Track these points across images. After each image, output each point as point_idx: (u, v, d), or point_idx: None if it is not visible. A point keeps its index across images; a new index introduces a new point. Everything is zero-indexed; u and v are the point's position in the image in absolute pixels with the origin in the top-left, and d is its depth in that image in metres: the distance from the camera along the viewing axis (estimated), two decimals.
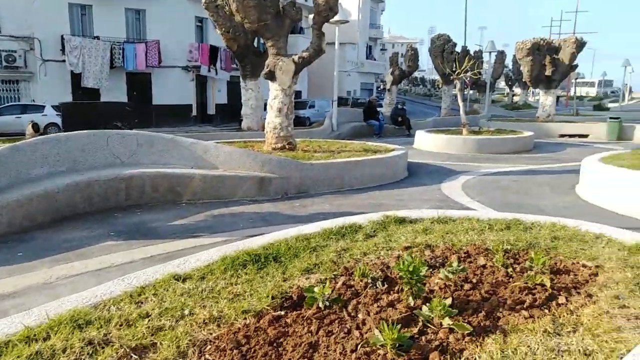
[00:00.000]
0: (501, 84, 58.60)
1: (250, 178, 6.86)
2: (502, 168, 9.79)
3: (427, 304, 2.17)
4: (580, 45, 16.15)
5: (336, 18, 14.33)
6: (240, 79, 15.05)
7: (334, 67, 43.75)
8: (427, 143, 12.72)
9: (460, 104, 13.06)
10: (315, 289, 2.36)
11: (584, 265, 2.81)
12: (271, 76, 8.93)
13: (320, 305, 2.29)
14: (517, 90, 47.09)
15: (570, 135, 16.43)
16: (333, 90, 15.53)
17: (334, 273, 2.82)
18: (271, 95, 9.06)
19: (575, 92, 34.92)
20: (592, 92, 63.83)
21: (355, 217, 3.90)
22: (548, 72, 16.98)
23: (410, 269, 2.29)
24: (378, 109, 18.57)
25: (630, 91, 63.78)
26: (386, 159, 8.24)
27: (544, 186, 7.81)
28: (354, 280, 2.64)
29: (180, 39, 24.58)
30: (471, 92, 36.91)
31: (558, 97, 49.81)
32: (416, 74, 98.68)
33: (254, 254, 3.02)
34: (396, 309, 2.23)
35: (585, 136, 16.30)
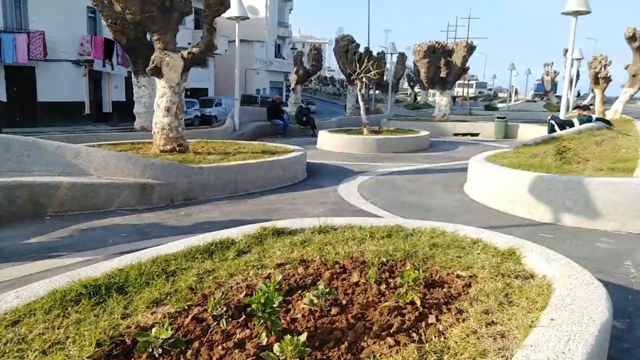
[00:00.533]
0: (405, 84, 61.52)
1: (129, 185, 6.18)
2: (399, 167, 9.97)
3: (282, 341, 1.86)
4: (470, 48, 17.23)
5: (235, 14, 13.83)
6: (132, 75, 13.94)
7: (243, 64, 42.59)
8: (329, 143, 12.68)
9: (361, 104, 13.20)
10: (154, 330, 1.95)
11: (458, 276, 2.69)
12: (157, 72, 8.22)
13: (155, 352, 1.88)
14: (419, 90, 49.68)
15: (463, 134, 17.44)
16: (235, 88, 14.95)
17: (189, 303, 2.42)
18: (158, 93, 8.35)
19: (468, 93, 37.48)
20: (471, 92, 69.76)
21: (228, 230, 3.51)
22: (443, 74, 17.88)
23: (262, 300, 1.96)
24: (283, 108, 18.32)
25: (516, 92, 70.56)
26: (284, 160, 7.95)
27: (436, 185, 8.01)
28: (208, 312, 2.26)
29: (70, 30, 22.34)
30: (376, 92, 38.17)
31: (454, 97, 53.51)
32: (326, 73, 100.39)
33: (93, 284, 2.52)
34: (244, 350, 1.89)
35: (477, 135, 17.39)
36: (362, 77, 13.13)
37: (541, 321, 2.03)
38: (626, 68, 17.51)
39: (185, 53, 8.33)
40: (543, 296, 2.33)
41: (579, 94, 37.53)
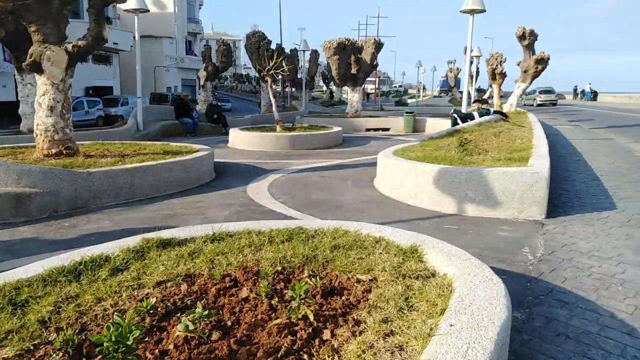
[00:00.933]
0: (321, 82, 62.20)
1: (1, 196, 5.34)
2: (312, 164, 9.81)
3: None
4: (378, 45, 17.62)
5: (133, 6, 12.84)
6: (16, 72, 12.44)
7: (152, 62, 39.96)
8: (242, 141, 12.23)
9: (272, 100, 12.89)
10: None
11: (358, 281, 2.49)
12: (37, 68, 7.27)
13: None
14: (334, 87, 50.47)
15: (375, 129, 17.79)
16: (137, 85, 13.92)
17: (36, 342, 1.97)
18: (39, 91, 7.40)
19: (378, 89, 38.66)
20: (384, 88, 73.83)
21: (103, 245, 3.04)
22: (354, 71, 18.10)
23: (114, 337, 1.59)
24: (193, 106, 17.47)
25: (424, 89, 74.41)
26: (187, 161, 7.41)
27: (347, 180, 7.94)
28: (54, 353, 1.83)
29: None
30: (292, 89, 38.09)
31: (368, 94, 55.15)
32: (242, 71, 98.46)
33: None
34: None
35: (387, 129, 17.83)
36: (272, 74, 12.80)
37: (440, 328, 1.87)
38: (518, 64, 18.95)
39: (69, 46, 7.46)
40: (443, 297, 2.20)
41: (479, 89, 40.21)
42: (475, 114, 10.38)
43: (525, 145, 8.00)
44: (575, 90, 53.74)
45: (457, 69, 41.95)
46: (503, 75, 21.74)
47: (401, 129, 17.76)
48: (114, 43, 32.98)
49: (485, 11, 11.90)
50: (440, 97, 51.98)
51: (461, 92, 43.19)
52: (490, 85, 23.57)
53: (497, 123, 10.19)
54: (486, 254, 4.22)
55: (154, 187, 6.75)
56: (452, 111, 10.55)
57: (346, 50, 17.62)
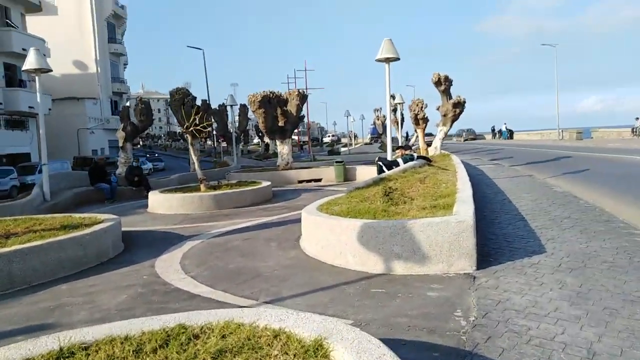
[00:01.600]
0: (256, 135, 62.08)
1: None
2: (237, 225, 9.13)
3: None
4: (302, 97, 17.65)
5: (34, 66, 11.89)
6: None
7: (74, 124, 38.10)
8: (162, 205, 11.32)
9: (194, 158, 12.22)
10: None
11: None
12: None
13: None
14: (267, 140, 50.47)
15: (307, 181, 17.48)
16: (41, 150, 12.68)
17: None
18: None
19: (309, 139, 38.99)
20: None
21: None
22: (281, 123, 17.92)
23: None
24: (112, 169, 16.30)
25: (356, 137, 76.61)
26: (84, 236, 6.48)
27: (272, 242, 7.33)
28: None
29: None
30: (224, 144, 37.48)
31: (302, 144, 55.58)
32: (176, 128, 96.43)
33: None
34: None
35: (319, 180, 17.58)
36: (192, 131, 12.18)
37: None
38: (438, 109, 19.70)
39: None
40: None
41: (407, 135, 41.79)
42: (400, 160, 10.32)
43: (449, 190, 7.86)
44: (493, 130, 57.55)
45: (384, 116, 43.54)
46: (425, 120, 22.52)
47: (333, 178, 17.58)
48: (29, 107, 31.12)
49: (399, 59, 12.19)
50: (371, 144, 53.53)
51: (391, 139, 44.71)
52: (415, 131, 24.31)
53: (421, 168, 10.15)
54: (416, 324, 3.73)
55: (40, 272, 5.74)
56: (376, 159, 10.42)
57: (272, 103, 17.47)
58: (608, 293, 4.32)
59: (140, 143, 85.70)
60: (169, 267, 6.12)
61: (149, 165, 38.67)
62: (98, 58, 43.27)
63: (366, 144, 55.46)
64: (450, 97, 19.14)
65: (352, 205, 7.02)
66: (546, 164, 20.21)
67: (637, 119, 36.63)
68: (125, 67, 51.79)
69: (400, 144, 10.73)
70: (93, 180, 14.41)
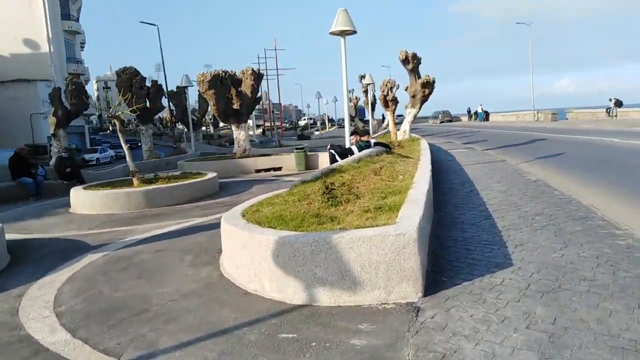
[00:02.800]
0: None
1: None
2: (161, 229, 7.79)
3: None
4: (258, 76, 16.15)
5: None
6: None
7: (22, 109, 35.55)
8: (84, 204, 9.85)
9: (124, 147, 10.71)
10: None
11: None
12: None
13: None
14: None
15: (266, 170, 16.15)
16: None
17: None
18: None
19: (279, 123, 37.52)
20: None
21: None
22: (236, 106, 16.43)
23: None
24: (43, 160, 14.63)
25: (331, 120, 74.94)
26: None
27: (188, 254, 6.04)
28: None
29: None
30: (185, 130, 35.58)
31: (265, 129, 53.63)
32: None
33: None
34: None
35: (279, 169, 16.27)
36: (119, 116, 10.66)
37: None
38: (406, 89, 18.49)
39: None
40: None
41: (383, 118, 40.58)
42: (354, 147, 9.08)
43: (404, 185, 6.67)
44: (469, 111, 56.94)
45: (357, 98, 42.20)
46: (395, 101, 21.34)
47: (294, 167, 16.30)
48: None
49: (355, 32, 10.88)
50: (343, 127, 52.41)
51: (364, 122, 43.37)
52: (383, 114, 23.11)
53: (379, 157, 8.95)
54: None
55: None
56: (329, 146, 9.17)
57: (224, 83, 15.95)
58: (590, 334, 3.20)
59: (110, 129, 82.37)
60: (40, 296, 4.78)
61: (110, 153, 36.58)
62: (50, 36, 40.39)
63: (340, 127, 53.95)
64: (419, 77, 17.92)
65: (286, 206, 5.77)
66: (520, 147, 19.32)
67: (611, 100, 36.27)
68: (82, 47, 48.96)
69: (353, 130, 9.39)
70: (14, 174, 12.74)
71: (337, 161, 8.94)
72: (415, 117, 18.41)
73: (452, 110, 60.83)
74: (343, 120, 54.91)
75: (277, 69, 54.69)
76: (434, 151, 18.77)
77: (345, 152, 9.03)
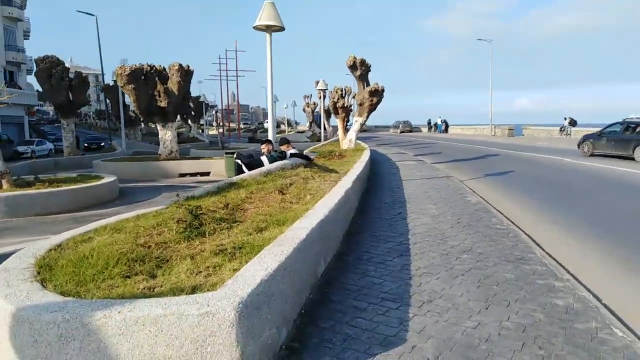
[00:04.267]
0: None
1: None
2: None
3: None
4: (186, 73, 14.43)
5: None
6: None
7: None
8: None
9: None
10: None
11: None
12: None
13: None
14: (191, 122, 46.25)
15: (192, 174, 14.44)
16: None
17: None
18: None
19: (226, 125, 35.70)
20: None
21: None
22: (163, 104, 14.65)
23: None
24: None
25: (297, 123, 73.38)
26: None
27: None
28: None
29: None
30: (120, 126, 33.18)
31: (225, 130, 51.53)
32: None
33: None
34: None
35: (207, 174, 14.60)
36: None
37: None
38: (353, 97, 17.21)
39: None
40: None
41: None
42: (264, 158, 7.59)
43: (301, 210, 5.24)
44: (429, 123, 56.69)
45: (314, 103, 40.86)
46: (346, 109, 20.04)
47: (224, 172, 14.65)
48: None
49: (283, 29, 9.45)
50: (303, 132, 50.68)
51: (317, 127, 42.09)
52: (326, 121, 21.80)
53: (293, 171, 7.50)
54: None
55: None
56: (235, 156, 7.62)
57: (148, 78, 14.16)
58: None
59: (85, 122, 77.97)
60: None
61: (48, 146, 33.56)
62: None
63: (298, 132, 52.41)
64: (368, 84, 16.66)
65: (123, 235, 4.22)
66: (471, 162, 18.40)
67: (565, 118, 36.42)
68: (27, 36, 45.57)
69: (264, 139, 7.87)
70: None
71: (243, 172, 7.45)
72: (362, 125, 17.12)
73: (415, 121, 60.58)
74: (299, 123, 52.62)
75: (236, 70, 52.79)
76: (380, 161, 17.59)
77: (254, 163, 7.54)
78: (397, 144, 32.38)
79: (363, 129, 64.37)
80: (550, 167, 15.57)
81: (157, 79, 14.52)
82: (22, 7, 43.65)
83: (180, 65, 14.04)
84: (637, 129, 16.82)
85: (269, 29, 9.35)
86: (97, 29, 27.65)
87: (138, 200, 9.89)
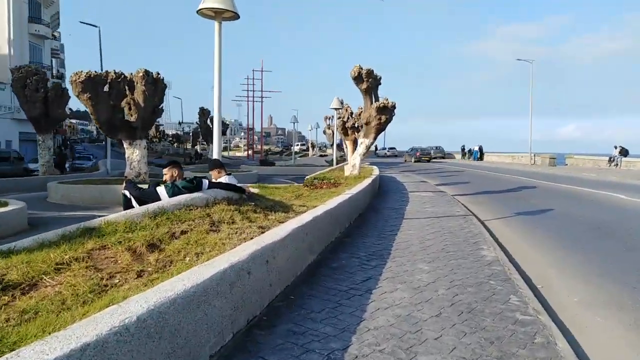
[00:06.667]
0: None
1: None
2: None
3: None
4: (154, 81, 12.24)
5: None
6: None
7: None
8: None
9: None
10: None
11: None
12: None
13: None
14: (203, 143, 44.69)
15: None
16: None
17: None
18: None
19: (269, 147, 33.80)
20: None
21: None
22: (133, 117, 12.54)
23: None
24: None
25: (326, 146, 71.26)
26: None
27: None
28: None
29: None
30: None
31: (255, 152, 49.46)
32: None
33: None
34: None
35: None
36: None
37: None
38: (359, 115, 14.64)
39: None
40: None
41: (376, 148, 36.78)
42: (162, 190, 5.08)
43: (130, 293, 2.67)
44: (462, 149, 53.15)
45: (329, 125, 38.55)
46: (355, 129, 17.48)
47: None
48: None
49: (237, 16, 7.11)
50: (325, 156, 48.16)
51: (340, 150, 39.48)
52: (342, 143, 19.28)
53: (205, 209, 4.91)
54: None
55: None
56: (123, 186, 5.19)
57: (113, 87, 12.12)
58: None
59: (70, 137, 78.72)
60: None
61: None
62: (12, 38, 37.33)
63: (321, 155, 49.87)
64: (376, 99, 14.08)
65: None
66: (502, 195, 15.36)
67: (616, 147, 32.44)
68: (56, 54, 45.93)
69: (170, 160, 5.63)
70: None
71: (132, 207, 5.02)
72: (368, 148, 14.46)
73: (447, 147, 57.09)
74: (326, 146, 50.02)
75: (262, 91, 51.38)
76: (388, 192, 14.84)
77: (147, 196, 5.09)
78: (421, 171, 29.41)
79: (392, 153, 61.42)
80: (602, 206, 12.36)
81: (127, 89, 12.45)
82: (51, 25, 43.95)
83: (146, 71, 11.90)
84: None
85: (218, 15, 7.02)
86: (100, 40, 26.66)
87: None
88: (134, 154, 12.89)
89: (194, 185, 5.22)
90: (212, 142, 42.63)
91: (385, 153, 59.15)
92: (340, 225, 7.44)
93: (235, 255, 3.64)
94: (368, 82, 13.75)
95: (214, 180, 6.00)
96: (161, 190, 5.11)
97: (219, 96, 7.24)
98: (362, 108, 19.41)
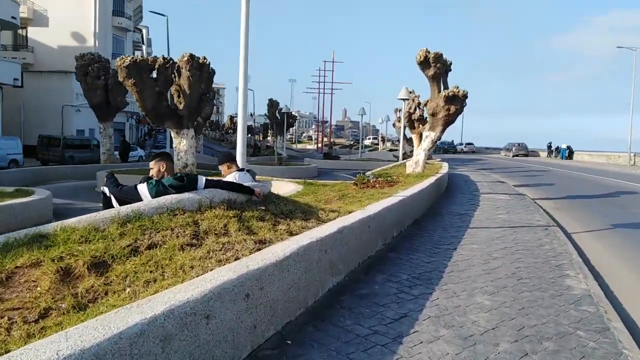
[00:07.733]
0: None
1: None
2: None
3: None
4: (199, 66, 11.48)
5: None
6: None
7: (57, 99, 33.45)
8: None
9: None
10: None
11: None
12: None
13: None
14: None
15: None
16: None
17: None
18: None
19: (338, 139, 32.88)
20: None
21: None
22: (180, 105, 12.00)
23: None
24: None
25: (399, 140, 68.99)
26: None
27: None
28: None
29: None
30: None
31: (328, 145, 48.89)
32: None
33: None
34: None
35: None
36: None
37: None
38: (425, 105, 13.03)
39: None
40: None
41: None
42: (144, 187, 4.09)
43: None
44: (549, 147, 48.53)
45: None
46: (422, 121, 15.83)
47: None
48: None
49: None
50: (393, 150, 46.01)
51: (410, 145, 37.27)
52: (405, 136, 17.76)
53: (193, 216, 3.86)
54: None
55: None
56: (102, 186, 4.29)
57: (161, 74, 11.61)
58: None
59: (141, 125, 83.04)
60: None
61: (139, 153, 33.92)
62: (97, 31, 39.49)
63: (391, 150, 47.76)
64: (445, 87, 12.39)
65: None
66: (595, 201, 13.04)
67: None
68: (138, 46, 48.13)
69: (157, 153, 4.83)
70: None
71: (112, 207, 4.11)
72: (434, 143, 12.82)
73: (532, 145, 52.43)
74: (398, 139, 48.43)
75: (332, 82, 50.43)
76: (456, 193, 13.09)
77: (127, 195, 4.14)
78: (500, 168, 26.78)
79: (470, 149, 57.70)
80: None
81: (175, 75, 11.92)
82: (134, 19, 46.02)
83: (192, 55, 11.25)
84: None
85: None
86: (167, 29, 27.09)
87: None
88: (181, 144, 12.36)
89: (184, 184, 4.19)
90: (279, 135, 42.50)
91: (462, 149, 55.73)
92: (383, 235, 6.11)
93: (187, 290, 2.52)
94: (436, 67, 12.10)
95: (222, 178, 4.95)
96: (142, 188, 4.13)
97: (244, 83, 6.19)
98: (413, 97, 17.68)
